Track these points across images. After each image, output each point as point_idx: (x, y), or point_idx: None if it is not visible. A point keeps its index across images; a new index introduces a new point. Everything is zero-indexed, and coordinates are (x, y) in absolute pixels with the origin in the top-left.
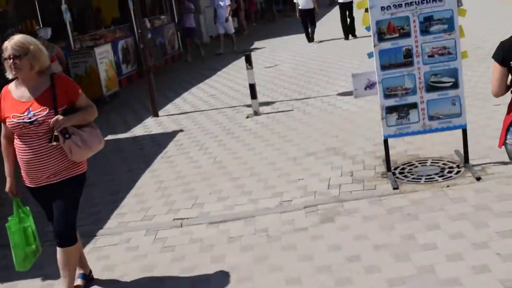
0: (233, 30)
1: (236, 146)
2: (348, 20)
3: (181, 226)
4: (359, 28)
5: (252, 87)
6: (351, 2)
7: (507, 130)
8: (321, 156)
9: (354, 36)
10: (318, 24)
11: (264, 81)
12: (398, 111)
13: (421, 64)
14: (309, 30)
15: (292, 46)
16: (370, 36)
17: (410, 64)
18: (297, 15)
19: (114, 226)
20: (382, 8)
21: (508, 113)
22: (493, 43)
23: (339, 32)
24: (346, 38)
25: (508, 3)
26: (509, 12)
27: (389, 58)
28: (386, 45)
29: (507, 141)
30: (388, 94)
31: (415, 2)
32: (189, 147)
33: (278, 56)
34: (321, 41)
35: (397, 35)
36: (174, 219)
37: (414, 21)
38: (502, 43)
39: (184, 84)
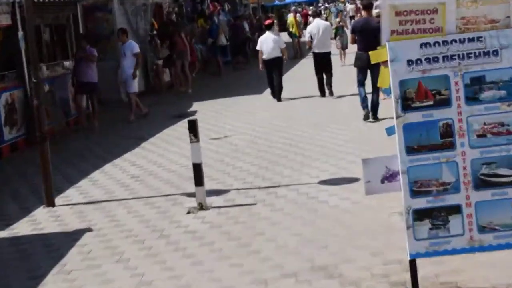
0: (134, 90)
1: (173, 257)
2: (325, 76)
3: None
4: (339, 83)
5: (197, 169)
6: (329, 53)
7: None
8: (305, 278)
9: (331, 93)
10: (284, 78)
11: (211, 159)
12: (432, 217)
13: (466, 147)
14: (275, 85)
15: (247, 109)
16: (355, 94)
17: (451, 146)
18: (260, 66)
19: None
20: (409, 62)
21: None
22: None
23: (313, 87)
24: (322, 94)
25: None
26: None
27: (419, 136)
28: (415, 117)
29: None
30: (417, 190)
31: (458, 55)
32: (100, 257)
33: (228, 123)
34: (290, 99)
35: (431, 103)
36: None
37: (456, 83)
38: None
39: (93, 159)
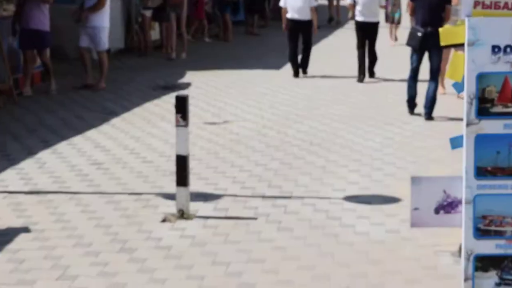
0: (103, 47)
1: (135, 280)
2: (367, 51)
3: None
4: (383, 65)
5: (182, 163)
6: (377, 24)
7: None
8: None
9: (372, 75)
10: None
11: (203, 150)
12: (502, 269)
13: None
14: (298, 56)
15: (258, 87)
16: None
17: None
18: (284, 26)
19: None
20: (496, 49)
21: None
22: None
23: (349, 67)
24: (361, 79)
25: None
26: None
27: (496, 155)
28: (494, 126)
29: None
30: (484, 229)
31: None
32: (36, 270)
33: (231, 105)
34: (316, 78)
35: None
36: None
37: None
38: None
39: (44, 133)
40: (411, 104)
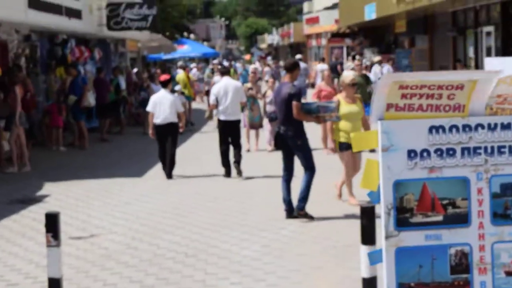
0: None
1: None
2: (232, 149)
3: None
4: (249, 164)
5: (55, 286)
6: (239, 122)
7: None
8: None
9: (239, 172)
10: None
11: (71, 269)
12: None
13: None
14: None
15: (122, 196)
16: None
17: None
18: (150, 132)
19: None
20: (411, 154)
21: None
22: None
23: (211, 166)
24: (227, 173)
25: None
26: None
27: (418, 269)
28: (415, 238)
29: None
30: None
31: (485, 149)
32: None
33: (95, 217)
34: (184, 178)
35: (440, 218)
36: None
37: (479, 190)
38: None
39: None
40: (286, 206)
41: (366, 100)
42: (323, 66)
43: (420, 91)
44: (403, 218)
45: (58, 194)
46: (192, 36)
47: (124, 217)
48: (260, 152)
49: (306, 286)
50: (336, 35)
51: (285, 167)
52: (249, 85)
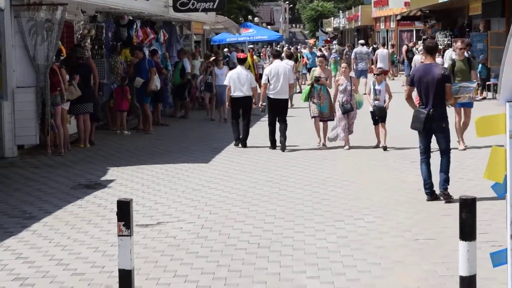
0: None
1: None
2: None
3: None
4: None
5: (125, 278)
6: (287, 100)
7: None
8: None
9: (284, 149)
10: None
11: (140, 258)
12: None
13: None
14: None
15: (189, 182)
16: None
17: None
18: (227, 104)
19: None
20: None
21: None
22: None
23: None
24: (273, 147)
25: None
26: None
27: None
28: None
29: None
30: None
31: None
32: None
33: (162, 203)
34: (246, 171)
35: None
36: None
37: None
38: None
39: None
40: (428, 189)
41: None
42: (383, 51)
43: None
44: None
45: (123, 180)
46: (256, 19)
47: (192, 204)
48: (332, 151)
49: (388, 281)
50: (405, 18)
51: (425, 149)
52: (317, 72)
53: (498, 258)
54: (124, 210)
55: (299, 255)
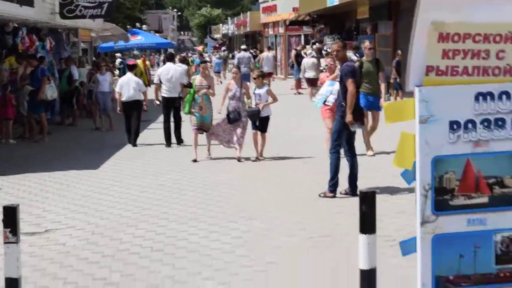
0: None
1: None
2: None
3: None
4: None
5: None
6: (178, 99)
7: None
8: None
9: (180, 143)
10: None
11: (27, 267)
12: None
13: None
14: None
15: (79, 188)
16: None
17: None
18: (118, 109)
19: None
20: (454, 126)
21: None
22: None
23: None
24: (169, 145)
25: None
26: None
27: (459, 259)
28: (455, 223)
29: None
30: None
31: None
32: None
33: (50, 211)
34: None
35: (486, 200)
36: None
37: None
38: None
39: None
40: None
41: (375, 91)
42: (268, 54)
43: (464, 45)
44: (442, 201)
45: (9, 188)
46: (144, 27)
47: (82, 210)
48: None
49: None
50: (294, 23)
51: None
52: (197, 81)
53: (407, 247)
54: (10, 216)
55: (193, 257)
